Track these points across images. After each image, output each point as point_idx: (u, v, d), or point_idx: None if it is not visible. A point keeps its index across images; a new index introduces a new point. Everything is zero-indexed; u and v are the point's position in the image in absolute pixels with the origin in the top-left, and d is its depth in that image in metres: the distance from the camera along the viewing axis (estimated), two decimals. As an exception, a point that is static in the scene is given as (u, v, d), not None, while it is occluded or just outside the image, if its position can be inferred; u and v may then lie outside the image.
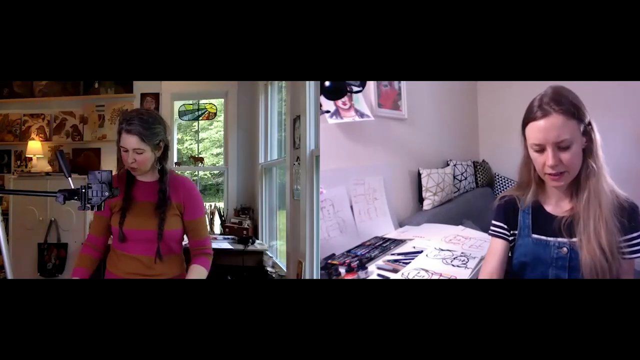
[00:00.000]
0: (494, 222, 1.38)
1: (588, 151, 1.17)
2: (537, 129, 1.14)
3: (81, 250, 1.60)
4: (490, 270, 1.33)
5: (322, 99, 2.10)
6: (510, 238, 1.34)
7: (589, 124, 1.16)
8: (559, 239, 1.22)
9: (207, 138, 6.01)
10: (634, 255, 1.17)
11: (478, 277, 1.40)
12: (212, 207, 4.41)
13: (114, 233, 1.55)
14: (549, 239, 1.24)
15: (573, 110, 1.13)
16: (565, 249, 1.21)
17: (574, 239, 1.19)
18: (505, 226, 1.34)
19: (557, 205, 1.26)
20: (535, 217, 1.28)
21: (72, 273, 1.54)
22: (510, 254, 1.36)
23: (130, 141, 1.43)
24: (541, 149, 1.15)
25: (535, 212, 1.28)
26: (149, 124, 1.46)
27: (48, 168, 4.29)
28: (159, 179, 1.56)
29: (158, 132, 1.48)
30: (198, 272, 1.56)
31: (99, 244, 1.60)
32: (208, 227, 1.60)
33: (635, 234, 1.17)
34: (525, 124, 1.19)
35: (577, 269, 1.18)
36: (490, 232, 1.40)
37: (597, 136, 1.17)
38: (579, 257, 1.17)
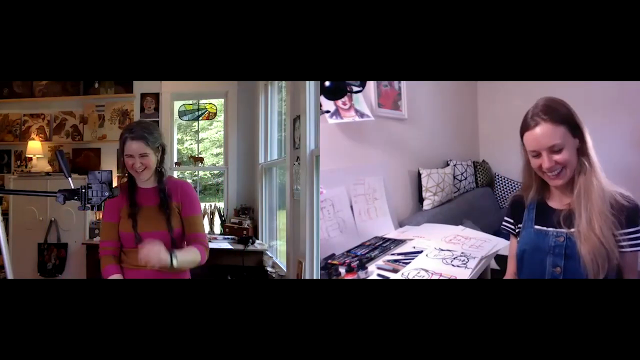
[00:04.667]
0: (505, 217, 1.56)
1: (581, 151, 1.31)
2: (532, 138, 1.29)
3: (102, 253, 1.67)
4: (513, 270, 1.50)
5: (322, 99, 2.10)
6: (517, 231, 1.50)
7: (581, 128, 1.30)
8: (558, 230, 1.34)
9: (207, 138, 6.01)
10: (635, 249, 1.27)
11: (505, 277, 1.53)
12: (212, 207, 4.40)
13: (126, 237, 1.65)
14: (548, 229, 1.37)
15: (561, 117, 1.27)
16: (562, 237, 1.33)
17: (572, 229, 1.31)
18: (512, 221, 1.51)
19: (559, 201, 1.40)
20: (539, 211, 1.42)
21: (105, 271, 1.62)
22: None
23: (137, 146, 1.59)
24: (537, 154, 1.30)
25: (539, 207, 1.43)
26: (150, 129, 1.64)
27: (48, 168, 4.29)
28: (158, 183, 1.69)
29: (157, 136, 1.66)
30: (189, 250, 1.64)
31: (113, 246, 1.69)
32: (207, 228, 1.74)
33: (633, 229, 1.26)
34: (522, 133, 1.34)
35: (573, 257, 1.28)
36: (501, 226, 1.58)
37: (588, 138, 1.32)
38: (575, 246, 1.28)
